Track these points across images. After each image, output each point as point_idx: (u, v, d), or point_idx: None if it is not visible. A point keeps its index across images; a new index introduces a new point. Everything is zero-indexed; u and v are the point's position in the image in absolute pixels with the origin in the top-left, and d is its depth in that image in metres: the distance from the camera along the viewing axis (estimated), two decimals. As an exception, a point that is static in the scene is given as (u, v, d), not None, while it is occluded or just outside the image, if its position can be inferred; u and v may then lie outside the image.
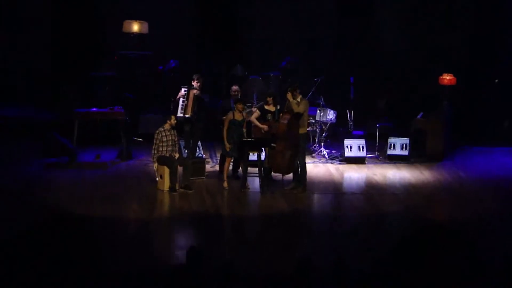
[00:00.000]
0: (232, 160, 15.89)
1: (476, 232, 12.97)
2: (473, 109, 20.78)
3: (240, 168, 15.98)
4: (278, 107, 15.68)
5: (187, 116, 16.82)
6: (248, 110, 16.48)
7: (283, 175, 15.66)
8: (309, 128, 17.65)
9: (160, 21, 21.94)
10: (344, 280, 9.01)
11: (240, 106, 15.61)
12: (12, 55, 22.31)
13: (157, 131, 15.46)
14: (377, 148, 18.62)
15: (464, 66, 20.87)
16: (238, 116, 15.59)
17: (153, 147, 15.42)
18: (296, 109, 15.01)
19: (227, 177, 15.78)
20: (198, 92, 16.83)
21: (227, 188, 15.62)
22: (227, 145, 15.49)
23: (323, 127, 18.59)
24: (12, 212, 13.56)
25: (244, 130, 15.68)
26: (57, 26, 22.22)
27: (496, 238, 12.79)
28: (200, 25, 22.64)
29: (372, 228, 13.48)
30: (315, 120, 18.47)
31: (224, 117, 15.75)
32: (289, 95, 15.13)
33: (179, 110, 16.91)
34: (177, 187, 15.24)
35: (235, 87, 16.79)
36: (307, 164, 15.76)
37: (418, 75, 21.19)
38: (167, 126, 15.47)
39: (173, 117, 15.62)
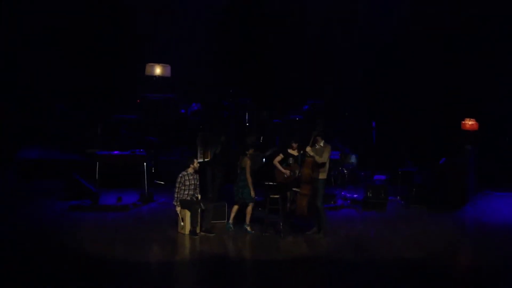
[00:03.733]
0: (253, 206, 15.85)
1: (499, 278, 12.80)
2: (495, 153, 20.70)
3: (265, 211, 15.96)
4: (302, 152, 15.67)
5: (206, 160, 16.86)
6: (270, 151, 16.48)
7: (304, 219, 15.60)
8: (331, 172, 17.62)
9: (183, 65, 22.10)
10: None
11: (251, 151, 15.69)
12: (35, 95, 22.48)
13: (180, 175, 15.47)
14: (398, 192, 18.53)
15: (486, 111, 20.83)
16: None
17: (176, 190, 15.44)
18: (319, 160, 14.99)
19: (250, 221, 15.76)
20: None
21: (251, 232, 15.58)
22: (253, 192, 15.50)
23: (345, 171, 18.53)
24: (35, 254, 13.55)
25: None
26: (80, 68, 22.42)
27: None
28: (222, 70, 22.79)
29: (393, 275, 13.34)
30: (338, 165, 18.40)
31: (243, 163, 15.72)
32: (309, 149, 15.06)
33: (199, 155, 16.97)
34: (198, 231, 15.22)
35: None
36: (329, 208, 15.66)
37: (440, 120, 21.15)
38: (190, 170, 15.50)
39: (195, 160, 15.65)
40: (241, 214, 15.74)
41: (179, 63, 22.22)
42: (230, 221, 15.79)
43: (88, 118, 21.57)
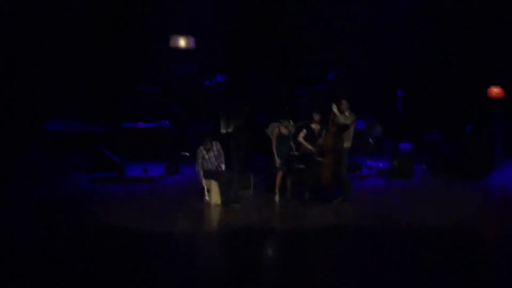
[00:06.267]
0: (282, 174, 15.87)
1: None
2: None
3: (288, 182, 15.96)
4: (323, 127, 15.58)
5: (229, 130, 16.86)
6: (294, 124, 16.41)
7: (329, 188, 15.58)
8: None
9: (208, 36, 22.01)
10: None
11: (286, 122, 15.64)
12: (58, 70, 22.48)
13: (198, 149, 15.53)
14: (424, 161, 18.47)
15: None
16: (284, 131, 15.61)
17: (197, 163, 15.50)
18: (343, 121, 14.90)
19: (278, 191, 15.79)
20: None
21: (278, 202, 15.61)
22: (277, 160, 15.52)
23: (370, 140, 18.47)
24: (63, 226, 13.64)
25: (291, 144, 15.69)
26: (103, 41, 22.37)
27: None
28: (249, 41, 22.67)
29: (419, 243, 13.29)
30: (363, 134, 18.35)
31: (270, 133, 15.75)
32: (334, 108, 15.02)
33: (222, 125, 16.98)
34: (224, 201, 15.27)
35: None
36: (355, 177, 15.60)
37: (468, 87, 20.96)
38: (207, 146, 15.52)
39: (207, 140, 15.56)
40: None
41: (204, 35, 22.14)
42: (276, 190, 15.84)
43: (112, 91, 21.59)
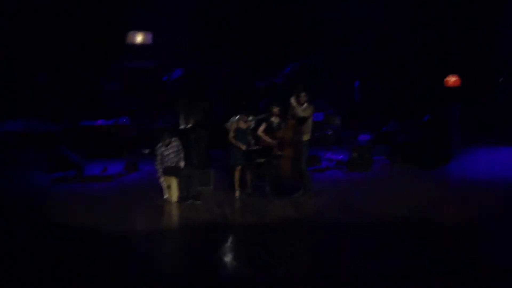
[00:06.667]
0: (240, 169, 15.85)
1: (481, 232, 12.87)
2: (480, 109, 20.71)
3: (248, 176, 15.95)
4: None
5: (189, 126, 16.81)
6: (253, 118, 16.39)
7: (289, 181, 15.59)
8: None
9: (166, 32, 21.90)
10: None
11: (244, 116, 15.63)
12: (16, 67, 22.25)
13: (156, 147, 15.45)
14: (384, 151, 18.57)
15: (468, 67, 20.79)
16: (243, 125, 15.59)
17: (156, 161, 15.43)
18: (301, 114, 14.92)
19: (237, 186, 15.78)
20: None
21: (238, 197, 15.60)
22: (242, 145, 15.44)
23: (329, 132, 18.52)
24: (20, 226, 13.51)
25: (250, 138, 15.67)
26: (61, 38, 22.17)
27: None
28: (207, 34, 22.61)
29: (380, 234, 13.36)
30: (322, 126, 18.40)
31: (229, 126, 15.72)
32: (293, 100, 15.04)
33: (181, 121, 16.92)
34: (184, 198, 15.23)
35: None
36: (314, 170, 15.63)
37: (424, 77, 21.12)
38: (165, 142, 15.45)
39: (166, 136, 15.48)
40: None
41: (162, 29, 22.03)
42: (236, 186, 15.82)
43: (69, 88, 21.42)
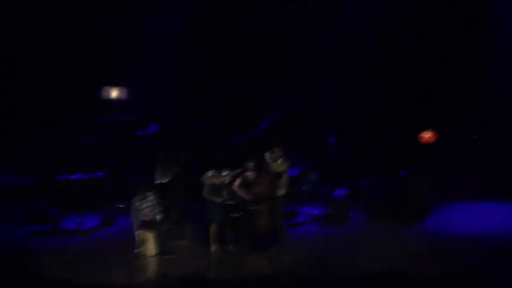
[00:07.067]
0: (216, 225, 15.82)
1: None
2: (455, 165, 20.81)
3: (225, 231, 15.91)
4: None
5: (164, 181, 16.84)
6: (229, 172, 16.39)
7: (266, 236, 15.59)
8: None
9: (143, 87, 21.97)
10: None
11: (218, 172, 15.68)
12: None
13: (132, 201, 15.43)
14: (359, 207, 18.61)
15: (443, 123, 20.91)
16: (216, 181, 15.63)
17: (132, 216, 15.40)
18: (276, 169, 15.00)
19: (214, 241, 15.73)
20: None
21: (214, 251, 15.55)
22: (216, 199, 15.45)
23: (305, 188, 18.57)
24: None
25: (225, 192, 15.68)
26: (35, 92, 22.13)
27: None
28: (184, 87, 22.69)
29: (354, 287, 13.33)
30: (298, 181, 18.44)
31: (204, 180, 15.74)
32: (267, 156, 15.12)
33: (158, 176, 16.95)
34: (160, 252, 15.16)
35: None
36: (290, 225, 15.64)
37: (398, 133, 21.23)
38: (141, 195, 15.44)
39: (142, 190, 15.51)
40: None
41: (139, 84, 22.09)
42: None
43: (45, 142, 21.36)
